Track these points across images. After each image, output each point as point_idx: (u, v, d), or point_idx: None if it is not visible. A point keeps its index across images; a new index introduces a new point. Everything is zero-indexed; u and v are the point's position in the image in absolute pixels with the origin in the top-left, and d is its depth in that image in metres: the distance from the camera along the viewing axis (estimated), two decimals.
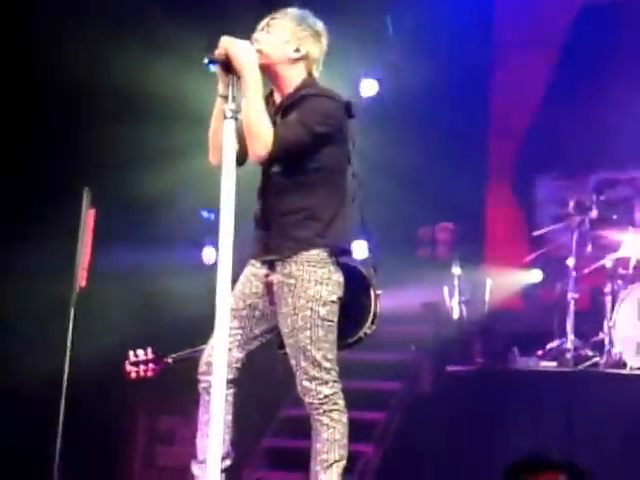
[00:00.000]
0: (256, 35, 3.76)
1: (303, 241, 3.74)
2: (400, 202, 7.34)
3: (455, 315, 6.98)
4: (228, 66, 3.47)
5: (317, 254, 3.75)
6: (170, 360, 4.55)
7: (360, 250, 4.63)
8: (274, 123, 3.69)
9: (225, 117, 3.29)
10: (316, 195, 3.75)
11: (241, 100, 3.48)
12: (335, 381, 3.77)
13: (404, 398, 6.62)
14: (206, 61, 3.47)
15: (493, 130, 8.23)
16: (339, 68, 5.49)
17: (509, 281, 7.48)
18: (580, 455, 5.30)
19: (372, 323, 3.89)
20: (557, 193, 7.82)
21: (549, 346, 6.52)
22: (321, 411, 3.74)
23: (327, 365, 3.75)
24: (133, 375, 4.51)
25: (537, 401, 5.86)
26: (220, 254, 3.18)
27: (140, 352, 4.53)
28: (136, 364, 4.51)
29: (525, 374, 6.23)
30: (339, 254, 3.80)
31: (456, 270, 7.03)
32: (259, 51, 3.66)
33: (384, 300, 3.94)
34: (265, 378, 6.07)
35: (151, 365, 4.50)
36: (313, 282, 3.73)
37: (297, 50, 3.78)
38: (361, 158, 3.89)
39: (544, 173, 8.03)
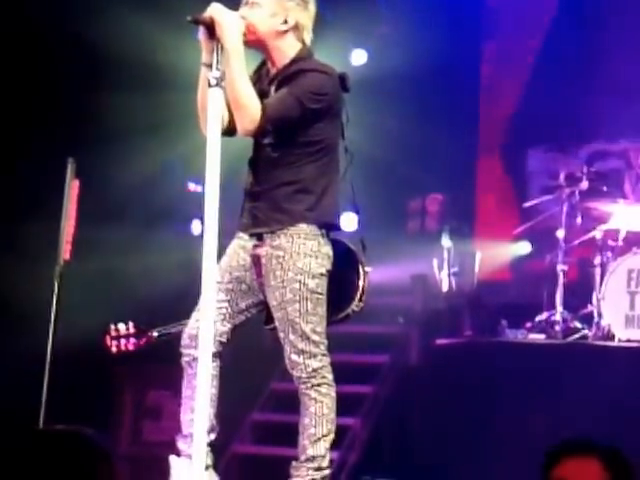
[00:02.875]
0: (241, 12, 3.68)
1: (293, 214, 3.71)
2: (389, 173, 7.29)
3: (444, 287, 6.95)
4: (211, 31, 3.40)
5: (307, 227, 3.71)
6: (154, 334, 4.50)
7: (350, 223, 4.59)
8: (267, 95, 3.64)
9: (210, 85, 3.22)
10: (307, 169, 3.71)
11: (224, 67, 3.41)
12: (324, 354, 3.75)
13: (392, 371, 6.59)
14: (189, 19, 3.40)
15: (484, 101, 8.16)
16: (330, 39, 5.43)
17: (498, 253, 7.45)
18: (568, 427, 5.28)
19: (360, 300, 3.86)
20: (548, 164, 7.79)
21: (538, 318, 6.50)
22: (309, 385, 3.72)
23: (316, 338, 3.72)
24: (114, 349, 4.46)
25: (525, 374, 5.84)
26: (205, 226, 3.13)
27: (121, 326, 4.48)
28: (117, 338, 4.45)
29: (513, 346, 6.22)
30: (329, 228, 3.77)
31: (445, 242, 6.99)
32: (246, 27, 3.59)
33: (373, 272, 3.92)
34: (251, 351, 6.03)
35: (132, 339, 4.44)
36: (302, 254, 3.69)
37: (285, 22, 3.72)
38: (351, 129, 3.84)
39: (535, 144, 7.98)
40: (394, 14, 7.63)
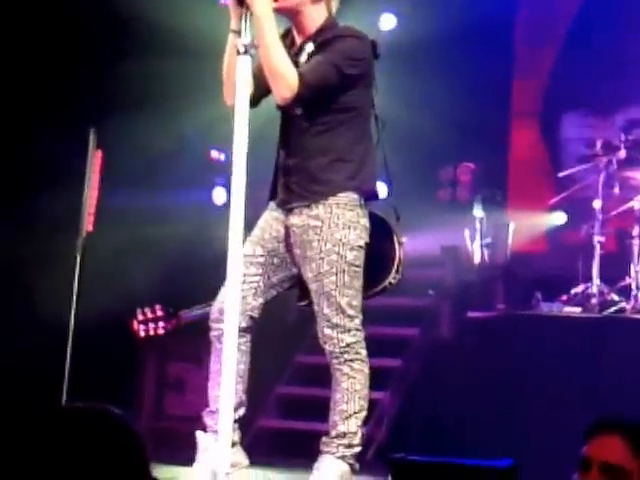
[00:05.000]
0: None
1: (333, 184, 3.63)
2: (421, 142, 7.13)
3: (476, 259, 6.83)
4: None
5: (346, 197, 3.64)
6: (182, 316, 4.42)
7: (380, 192, 4.48)
8: (295, 64, 3.58)
9: (238, 53, 3.16)
10: (343, 137, 3.64)
11: (254, 35, 3.31)
12: (358, 329, 3.67)
13: (422, 344, 6.49)
14: None
15: (518, 66, 7.98)
16: (358, 3, 5.28)
17: (533, 224, 7.31)
18: (606, 403, 5.17)
19: (397, 272, 3.79)
20: (584, 132, 7.64)
21: (574, 291, 6.39)
22: (342, 360, 3.65)
23: (351, 312, 3.63)
24: (142, 334, 4.39)
25: (560, 348, 5.74)
26: (232, 200, 3.07)
27: (147, 309, 4.40)
28: (144, 322, 4.38)
29: (548, 320, 6.12)
30: (369, 197, 3.71)
31: (478, 212, 6.86)
32: None
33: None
34: (278, 323, 5.96)
35: (161, 323, 4.37)
36: (341, 226, 3.61)
37: None
38: (380, 96, 3.78)
39: (570, 111, 7.80)
40: None
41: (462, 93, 7.17)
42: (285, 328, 6.16)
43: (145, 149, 6.30)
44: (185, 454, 3.93)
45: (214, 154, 7.10)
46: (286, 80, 3.50)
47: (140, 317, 4.42)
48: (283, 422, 6.49)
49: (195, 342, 4.37)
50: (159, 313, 4.41)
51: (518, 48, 8.02)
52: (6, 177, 6.05)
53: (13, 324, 5.74)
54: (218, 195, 7.08)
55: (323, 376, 3.78)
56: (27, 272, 5.88)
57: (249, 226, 3.62)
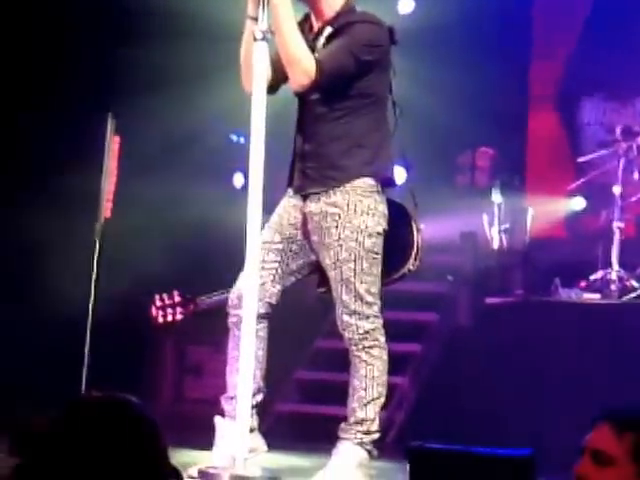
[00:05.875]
0: None
1: (350, 169, 3.63)
2: (439, 127, 7.09)
3: (495, 245, 6.79)
4: None
5: (364, 182, 3.62)
6: (200, 302, 4.43)
7: (398, 178, 4.47)
8: (312, 50, 3.57)
9: (255, 39, 3.13)
10: (359, 123, 3.63)
11: (271, 22, 3.30)
12: (376, 316, 3.67)
13: (441, 330, 6.48)
14: None
15: (537, 50, 7.90)
16: None
17: (551, 209, 7.25)
18: (626, 390, 5.13)
19: (415, 259, 3.78)
20: (603, 117, 7.56)
21: (593, 277, 6.35)
22: (360, 347, 3.65)
23: (369, 299, 3.63)
24: (160, 319, 4.40)
25: (580, 334, 5.71)
26: (250, 187, 3.06)
27: (165, 296, 4.41)
28: (162, 308, 4.39)
29: (567, 306, 6.08)
30: (386, 183, 3.69)
31: (496, 198, 6.81)
32: None
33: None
34: (296, 308, 5.95)
35: (179, 309, 4.38)
36: (359, 212, 3.60)
37: None
38: (398, 81, 3.77)
39: (590, 96, 7.72)
40: None
41: (480, 77, 7.12)
42: (304, 313, 6.15)
43: (163, 134, 6.30)
44: (204, 438, 3.94)
45: (233, 138, 7.09)
46: (303, 67, 3.49)
47: (158, 303, 4.44)
48: (302, 407, 6.50)
49: (213, 326, 4.38)
50: (177, 299, 4.42)
51: (537, 31, 7.94)
52: (23, 163, 6.06)
53: (32, 310, 5.77)
54: (238, 179, 7.08)
55: (342, 361, 3.78)
56: (46, 258, 5.90)
57: (267, 209, 3.61)
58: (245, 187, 3.18)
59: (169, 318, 4.40)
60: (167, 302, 4.42)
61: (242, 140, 6.90)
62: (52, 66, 6.14)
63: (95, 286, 4.24)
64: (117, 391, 1.73)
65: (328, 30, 3.65)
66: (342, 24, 3.61)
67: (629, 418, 2.07)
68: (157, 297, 4.42)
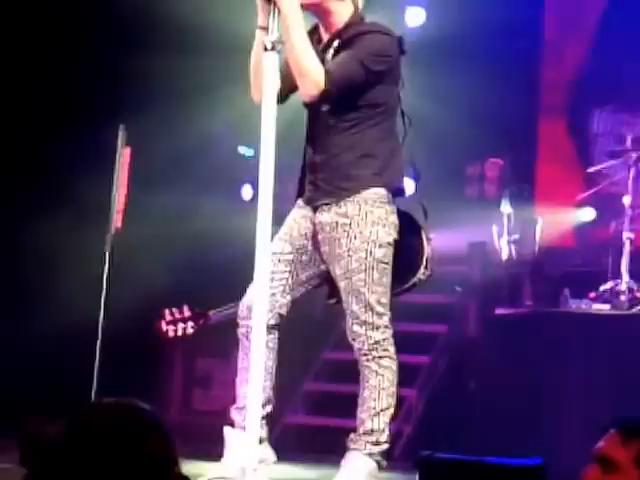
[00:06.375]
0: None
1: (361, 179, 3.63)
2: (448, 137, 7.09)
3: (504, 255, 6.76)
4: None
5: (375, 193, 3.63)
6: (210, 316, 4.42)
7: (408, 188, 4.48)
8: (322, 61, 3.57)
9: (265, 49, 3.17)
10: (369, 133, 3.64)
11: (281, 32, 3.31)
12: (386, 327, 3.67)
13: (449, 341, 6.47)
14: None
15: (546, 60, 7.89)
16: None
17: (561, 220, 7.23)
18: (635, 401, 5.12)
19: (425, 269, 3.78)
20: (614, 127, 7.54)
21: (602, 288, 6.30)
22: (370, 357, 3.65)
23: (380, 309, 3.63)
24: (171, 334, 4.39)
25: (589, 345, 5.68)
26: (260, 198, 3.06)
27: (175, 310, 4.40)
28: (173, 322, 4.38)
29: (577, 317, 6.04)
30: (395, 193, 3.69)
31: (505, 208, 6.79)
32: None
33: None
34: (305, 319, 5.95)
35: (190, 323, 4.37)
36: (370, 223, 3.61)
37: None
38: (407, 92, 3.78)
39: (600, 106, 7.71)
40: None
41: (489, 88, 7.11)
42: (312, 324, 6.16)
43: (174, 145, 6.32)
44: (213, 449, 3.94)
45: (242, 150, 7.11)
46: (312, 77, 3.49)
47: (168, 317, 4.42)
48: (311, 418, 6.50)
49: (222, 337, 4.37)
50: (187, 313, 4.41)
51: (548, 42, 7.92)
52: (35, 175, 6.09)
53: (43, 321, 5.78)
54: (247, 191, 7.10)
55: (351, 372, 3.77)
56: (57, 269, 5.92)
57: (277, 221, 3.62)
58: (254, 199, 3.18)
59: (179, 333, 4.39)
60: (177, 316, 4.40)
61: (251, 152, 6.92)
62: (64, 78, 6.17)
63: (105, 297, 4.24)
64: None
65: (337, 41, 3.66)
66: (351, 35, 3.62)
67: (636, 426, 2.09)
68: (167, 311, 4.41)
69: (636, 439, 2.05)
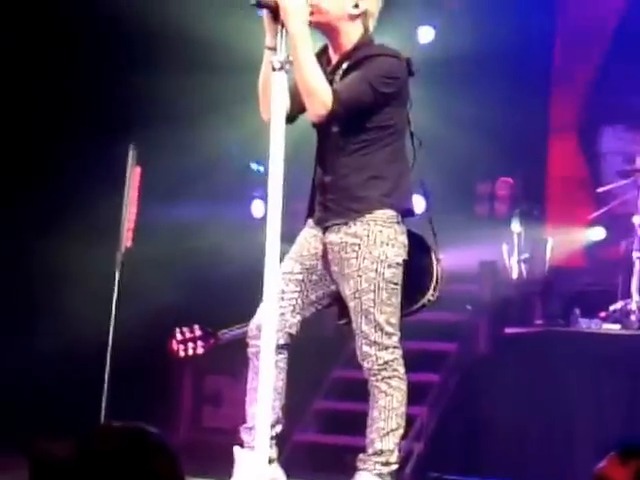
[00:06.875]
0: None
1: (370, 201, 3.62)
2: (459, 156, 7.09)
3: (514, 274, 6.76)
4: (276, 14, 3.33)
5: (384, 213, 3.62)
6: (220, 336, 4.43)
7: (417, 207, 4.47)
8: (330, 82, 3.58)
9: (273, 69, 3.17)
10: (378, 154, 3.63)
11: (289, 52, 3.32)
12: (396, 347, 3.65)
13: (460, 360, 6.44)
14: (253, 2, 3.31)
15: (557, 80, 7.90)
16: (396, 15, 5.27)
17: (571, 239, 7.22)
18: None
19: (435, 290, 3.76)
20: (623, 147, 7.53)
21: (612, 307, 6.29)
22: (380, 377, 3.63)
23: (389, 329, 3.62)
24: (182, 353, 4.40)
25: (600, 365, 5.67)
26: (269, 219, 3.05)
27: (186, 329, 4.42)
28: (184, 342, 4.39)
29: (587, 337, 6.03)
30: (405, 214, 3.69)
31: (516, 227, 6.80)
32: (316, 6, 3.54)
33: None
34: (315, 337, 5.94)
35: (200, 342, 4.38)
36: (379, 243, 3.60)
37: (356, 6, 3.65)
38: (418, 110, 3.77)
39: (610, 125, 7.71)
40: None
41: (500, 106, 7.12)
42: (322, 342, 6.15)
43: (184, 163, 6.34)
44: (222, 468, 3.93)
45: (253, 167, 7.13)
46: (320, 97, 3.50)
47: (179, 337, 4.44)
48: (321, 437, 6.48)
49: (232, 356, 4.38)
50: (197, 333, 4.42)
51: (557, 61, 7.94)
52: (46, 194, 6.10)
53: (52, 337, 5.79)
54: (257, 208, 7.11)
55: (361, 390, 3.76)
56: (66, 286, 5.93)
57: (287, 239, 3.61)
58: (265, 216, 3.18)
59: (190, 352, 4.40)
60: (188, 336, 4.41)
61: (262, 169, 6.93)
62: (76, 96, 6.20)
63: (115, 315, 4.25)
64: (136, 419, 1.74)
65: (346, 63, 3.66)
66: (360, 57, 3.62)
67: (634, 447, 2.11)
68: (178, 331, 4.42)
69: (634, 459, 2.08)
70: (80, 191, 5.99)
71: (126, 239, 4.28)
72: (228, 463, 3.82)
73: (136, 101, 6.16)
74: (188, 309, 5.47)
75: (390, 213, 3.64)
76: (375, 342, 3.61)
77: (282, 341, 3.66)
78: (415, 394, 4.28)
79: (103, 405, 4.34)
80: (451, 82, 7.06)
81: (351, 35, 3.66)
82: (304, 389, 6.24)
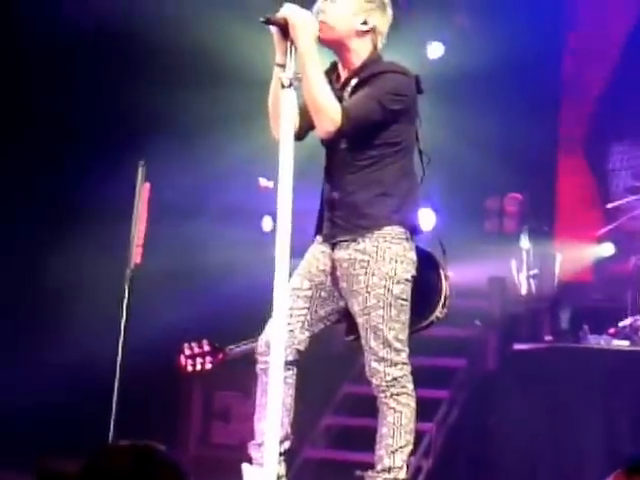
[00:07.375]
0: (321, 5, 3.64)
1: (378, 217, 3.63)
2: (468, 172, 7.10)
3: (523, 290, 6.76)
4: (285, 32, 3.36)
5: (392, 230, 3.63)
6: (229, 351, 4.44)
7: (426, 223, 4.48)
8: (340, 99, 3.59)
9: (283, 86, 3.19)
10: (387, 171, 3.64)
11: (298, 69, 3.34)
12: (405, 363, 3.65)
13: (468, 376, 6.43)
14: (262, 20, 3.35)
15: (565, 97, 7.91)
16: (405, 31, 5.29)
17: (580, 255, 7.21)
18: None
19: (443, 307, 3.77)
20: (632, 163, 7.53)
21: (621, 324, 6.28)
22: (388, 394, 3.63)
23: (398, 346, 3.62)
24: (189, 368, 4.41)
25: (609, 382, 5.65)
26: (278, 233, 3.06)
27: (194, 344, 4.42)
28: (192, 357, 4.40)
29: (596, 353, 6.02)
30: (413, 231, 3.69)
31: (524, 243, 6.80)
32: (324, 22, 3.56)
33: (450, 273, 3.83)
34: (324, 353, 5.94)
35: (208, 358, 4.39)
36: (388, 259, 3.61)
37: (364, 22, 3.67)
38: (427, 126, 3.78)
39: (619, 141, 7.71)
40: (472, 4, 7.42)
41: (509, 123, 7.12)
42: (331, 358, 6.14)
43: (193, 180, 6.35)
44: None
45: (263, 182, 7.14)
46: (329, 114, 3.51)
47: (187, 352, 4.43)
48: (330, 452, 6.47)
49: (241, 371, 4.38)
50: (206, 348, 4.42)
51: (566, 77, 7.95)
52: (56, 210, 6.12)
53: (61, 355, 5.79)
54: (267, 223, 7.12)
55: (370, 406, 3.75)
56: (75, 302, 5.94)
57: (295, 254, 3.61)
58: (275, 231, 3.18)
59: (198, 367, 4.40)
60: (196, 351, 4.42)
61: (271, 184, 6.94)
62: (85, 112, 6.22)
63: (124, 331, 4.26)
64: (144, 435, 1.75)
65: (355, 80, 3.67)
66: (369, 74, 3.63)
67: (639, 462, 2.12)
68: (186, 346, 4.42)
69: (638, 474, 2.07)
70: (90, 207, 6.01)
71: (135, 255, 4.29)
72: (236, 479, 3.82)
73: (145, 118, 6.18)
74: (197, 325, 5.47)
75: (398, 230, 3.64)
76: (384, 358, 3.61)
77: (291, 357, 3.66)
78: (424, 410, 4.27)
79: (112, 419, 4.34)
80: (460, 98, 7.06)
81: (360, 52, 3.68)
82: (314, 405, 6.24)
